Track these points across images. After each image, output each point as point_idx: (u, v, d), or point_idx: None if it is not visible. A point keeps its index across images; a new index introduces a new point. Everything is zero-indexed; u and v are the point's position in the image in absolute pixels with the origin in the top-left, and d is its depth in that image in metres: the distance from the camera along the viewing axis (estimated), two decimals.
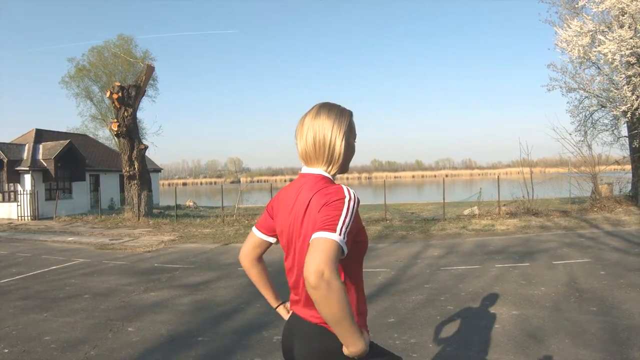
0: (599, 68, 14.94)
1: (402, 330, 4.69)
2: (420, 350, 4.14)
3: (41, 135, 24.87)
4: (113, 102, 17.79)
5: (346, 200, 1.42)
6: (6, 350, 4.46)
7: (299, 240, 1.54)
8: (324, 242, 1.32)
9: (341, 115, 1.61)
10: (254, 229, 1.81)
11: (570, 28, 13.33)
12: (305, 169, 1.62)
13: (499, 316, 5.02)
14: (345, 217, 1.39)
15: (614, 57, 12.46)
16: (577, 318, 4.82)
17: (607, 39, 12.43)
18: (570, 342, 4.15)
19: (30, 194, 21.64)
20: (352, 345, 1.34)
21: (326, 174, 1.58)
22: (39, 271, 8.85)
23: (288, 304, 1.82)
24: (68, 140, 23.87)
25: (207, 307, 5.92)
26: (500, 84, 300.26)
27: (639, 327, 4.45)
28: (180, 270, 8.48)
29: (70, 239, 13.98)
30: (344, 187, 1.47)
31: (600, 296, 5.60)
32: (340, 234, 1.34)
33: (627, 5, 11.73)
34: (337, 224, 1.36)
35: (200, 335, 4.81)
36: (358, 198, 1.47)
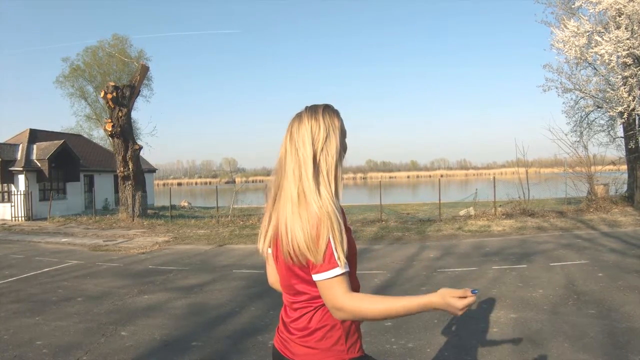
0: (595, 69, 14.93)
1: (399, 334, 4.63)
2: (418, 355, 4.08)
3: (35, 135, 24.69)
4: (107, 102, 17.67)
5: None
6: None
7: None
8: (329, 283, 1.32)
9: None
10: (267, 250, 1.63)
11: (567, 28, 13.31)
12: None
13: (497, 319, 4.97)
14: (335, 240, 1.33)
15: (611, 58, 12.46)
16: (576, 321, 4.78)
17: (603, 39, 12.43)
18: (569, 346, 4.10)
19: (24, 194, 21.46)
20: (425, 309, 1.31)
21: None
22: (31, 273, 8.74)
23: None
24: (62, 141, 23.70)
25: (201, 311, 5.84)
26: (494, 85, 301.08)
27: (638, 330, 4.40)
28: (174, 273, 8.39)
29: (64, 240, 13.86)
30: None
31: (598, 299, 5.56)
32: (340, 266, 1.32)
33: (624, 6, 11.72)
34: (332, 256, 1.32)
35: (195, 339, 4.73)
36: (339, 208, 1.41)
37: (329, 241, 1.32)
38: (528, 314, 5.11)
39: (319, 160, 1.42)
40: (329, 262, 1.31)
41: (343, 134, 1.50)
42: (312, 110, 1.49)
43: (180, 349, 4.47)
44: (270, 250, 1.60)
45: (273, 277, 1.68)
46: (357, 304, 1.30)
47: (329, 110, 1.50)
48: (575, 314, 5.02)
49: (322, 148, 1.43)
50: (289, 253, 1.39)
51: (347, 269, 1.34)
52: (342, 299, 1.30)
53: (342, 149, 1.49)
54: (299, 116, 1.49)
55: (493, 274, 7.18)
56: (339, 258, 1.31)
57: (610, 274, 6.76)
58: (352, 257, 1.43)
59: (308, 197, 1.38)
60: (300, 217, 1.37)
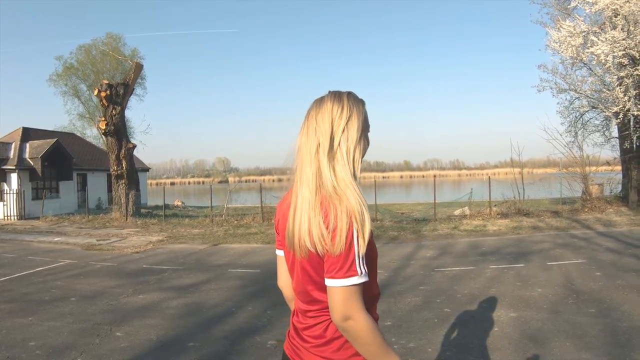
0: (590, 69, 14.97)
1: (399, 334, 4.58)
2: (419, 354, 4.03)
3: (28, 134, 24.47)
4: (101, 101, 17.53)
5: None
6: None
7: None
8: (344, 290, 1.22)
9: None
10: (277, 251, 1.57)
11: (563, 29, 13.34)
12: None
13: (497, 319, 4.93)
14: (360, 237, 1.23)
15: (607, 59, 12.49)
16: (577, 320, 4.75)
17: (599, 40, 12.45)
18: (571, 345, 4.06)
19: (16, 193, 21.24)
20: None
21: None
22: (24, 273, 8.62)
23: None
24: (55, 139, 23.45)
25: (197, 311, 5.76)
26: (487, 85, 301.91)
27: (639, 329, 4.38)
28: (169, 272, 8.30)
29: (57, 239, 13.71)
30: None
31: (598, 297, 5.54)
32: (359, 274, 1.22)
33: (620, 7, 11.76)
34: (353, 263, 1.22)
35: (191, 340, 4.66)
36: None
37: (352, 239, 1.22)
38: (528, 313, 5.08)
39: (339, 140, 1.32)
40: (349, 269, 1.21)
41: (366, 123, 1.41)
42: (336, 93, 1.40)
43: (177, 350, 4.39)
44: (282, 253, 1.51)
45: (283, 280, 1.55)
46: (369, 322, 1.22)
47: (353, 95, 1.41)
48: (575, 313, 4.99)
49: (344, 129, 1.33)
50: (298, 242, 1.29)
51: (367, 279, 1.25)
52: (356, 310, 1.21)
53: (365, 137, 1.39)
54: (319, 99, 1.40)
55: (491, 273, 7.15)
56: (359, 265, 1.22)
57: (608, 273, 6.75)
58: (372, 261, 1.33)
59: (324, 177, 1.29)
60: (314, 200, 1.28)
